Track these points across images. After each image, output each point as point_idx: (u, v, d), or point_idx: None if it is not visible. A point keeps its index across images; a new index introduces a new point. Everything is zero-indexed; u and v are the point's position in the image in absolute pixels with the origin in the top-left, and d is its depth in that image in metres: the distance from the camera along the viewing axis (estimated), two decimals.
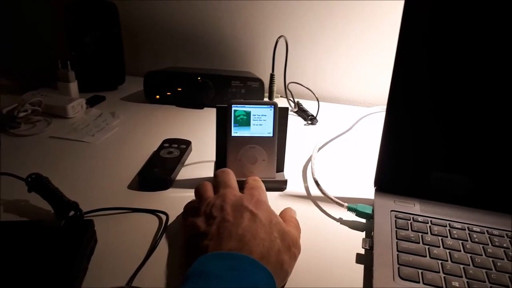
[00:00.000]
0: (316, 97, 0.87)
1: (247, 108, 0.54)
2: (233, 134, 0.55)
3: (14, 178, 0.54)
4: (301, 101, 0.91)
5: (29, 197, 0.51)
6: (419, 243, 0.44)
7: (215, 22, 1.02)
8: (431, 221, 0.47)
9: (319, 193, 0.55)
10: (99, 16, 0.92)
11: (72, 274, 0.37)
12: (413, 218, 0.48)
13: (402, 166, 0.52)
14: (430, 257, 0.42)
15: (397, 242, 0.43)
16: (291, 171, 0.63)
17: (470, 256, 0.42)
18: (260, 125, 0.55)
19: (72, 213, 0.47)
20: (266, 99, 0.90)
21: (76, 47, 0.92)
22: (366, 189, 0.57)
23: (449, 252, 0.42)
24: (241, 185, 0.48)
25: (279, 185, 0.58)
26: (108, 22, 0.93)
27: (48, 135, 0.72)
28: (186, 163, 0.64)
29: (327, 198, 0.54)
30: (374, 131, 0.79)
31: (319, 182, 0.56)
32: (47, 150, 0.67)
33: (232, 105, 0.54)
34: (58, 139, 0.71)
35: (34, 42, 1.13)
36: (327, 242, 0.47)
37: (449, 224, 0.47)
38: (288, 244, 0.40)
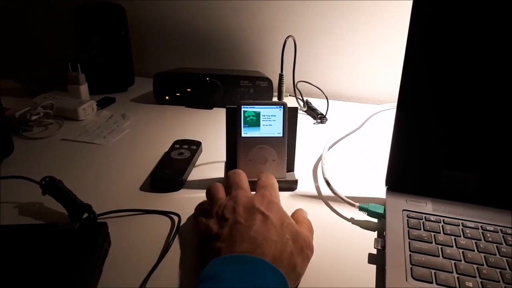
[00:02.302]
0: (325, 96, 0.87)
1: (256, 108, 0.54)
2: (243, 135, 0.55)
3: (28, 181, 0.54)
4: (311, 100, 0.91)
5: (43, 200, 0.52)
6: (431, 242, 0.43)
7: (223, 22, 1.02)
8: (443, 220, 0.47)
9: (330, 193, 0.55)
10: (107, 18, 0.92)
11: (86, 276, 0.38)
12: (425, 217, 0.47)
13: (413, 165, 0.52)
14: (443, 257, 0.41)
15: (409, 242, 0.43)
16: (302, 171, 0.63)
17: (484, 256, 0.41)
18: (269, 125, 0.55)
19: (85, 215, 0.48)
20: (275, 99, 0.90)
21: (85, 49, 0.93)
22: (377, 188, 0.56)
23: (463, 252, 0.42)
24: (253, 186, 0.48)
25: (290, 185, 0.58)
26: (116, 24, 0.93)
27: (60, 138, 0.73)
28: (197, 164, 0.64)
29: (338, 198, 0.53)
30: (385, 129, 0.79)
31: (330, 182, 0.56)
32: (59, 152, 0.68)
33: (242, 106, 0.54)
34: (70, 142, 0.72)
35: (44, 46, 1.15)
36: (339, 242, 0.47)
37: (462, 223, 0.46)
38: (300, 246, 0.40)
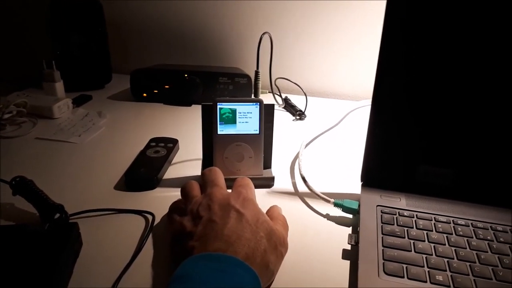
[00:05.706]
0: (304, 92, 0.87)
1: (232, 105, 0.54)
2: (219, 132, 0.55)
3: None
4: (290, 96, 0.91)
5: (14, 201, 0.51)
6: (404, 237, 0.44)
7: (202, 19, 1.01)
8: (416, 215, 0.47)
9: (306, 189, 0.55)
10: (84, 14, 0.91)
11: (56, 277, 0.37)
12: (398, 212, 0.48)
13: (388, 161, 0.53)
14: (414, 251, 0.42)
15: (382, 237, 0.44)
16: (279, 168, 0.63)
17: (454, 250, 0.42)
18: (246, 122, 0.55)
19: (57, 215, 0.47)
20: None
21: (61, 46, 0.91)
22: (353, 184, 0.57)
23: (434, 246, 0.42)
24: (229, 184, 0.48)
25: (267, 182, 0.58)
26: (93, 21, 0.92)
27: (34, 136, 0.72)
28: (173, 161, 0.64)
29: (314, 194, 0.54)
30: (363, 125, 0.79)
31: (306, 178, 0.56)
32: (33, 151, 0.67)
33: (218, 103, 0.54)
34: (44, 140, 0.70)
35: (19, 43, 1.12)
36: (314, 238, 0.47)
37: (434, 217, 0.47)
38: (274, 244, 0.40)
